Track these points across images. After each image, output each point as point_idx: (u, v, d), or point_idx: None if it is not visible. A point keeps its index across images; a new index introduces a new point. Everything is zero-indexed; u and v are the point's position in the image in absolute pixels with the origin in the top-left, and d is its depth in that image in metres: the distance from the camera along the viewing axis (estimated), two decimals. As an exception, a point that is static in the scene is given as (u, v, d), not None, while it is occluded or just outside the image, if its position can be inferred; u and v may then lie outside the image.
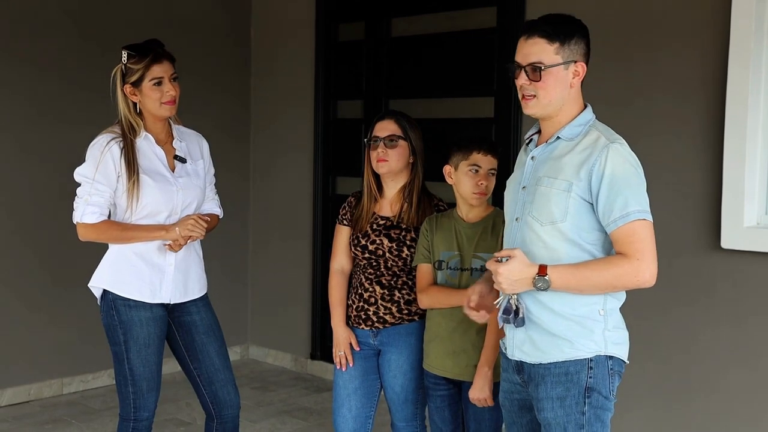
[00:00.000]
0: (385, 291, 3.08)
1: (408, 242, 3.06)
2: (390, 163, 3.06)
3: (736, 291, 3.70)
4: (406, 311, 3.07)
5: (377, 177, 3.13)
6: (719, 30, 3.68)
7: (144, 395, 3.09)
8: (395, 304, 3.07)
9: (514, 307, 2.36)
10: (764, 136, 3.64)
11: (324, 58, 5.40)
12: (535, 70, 2.35)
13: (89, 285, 3.14)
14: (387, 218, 3.11)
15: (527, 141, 2.53)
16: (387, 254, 3.06)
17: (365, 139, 3.13)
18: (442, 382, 3.01)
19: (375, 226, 3.10)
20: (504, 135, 4.43)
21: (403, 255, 3.05)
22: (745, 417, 3.70)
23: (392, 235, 3.07)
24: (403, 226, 3.08)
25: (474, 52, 4.69)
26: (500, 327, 2.55)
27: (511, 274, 2.29)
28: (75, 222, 3.06)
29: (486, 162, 2.91)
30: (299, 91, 5.54)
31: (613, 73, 3.96)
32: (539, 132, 2.51)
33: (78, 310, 4.94)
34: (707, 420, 3.82)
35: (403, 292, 3.07)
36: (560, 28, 2.36)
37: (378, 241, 3.07)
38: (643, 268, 2.27)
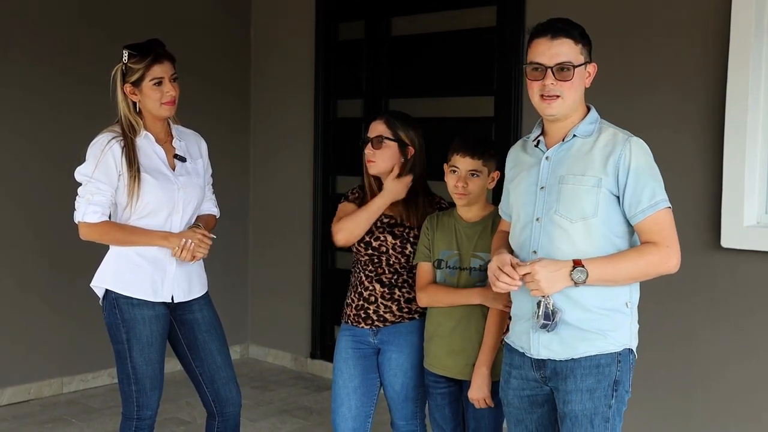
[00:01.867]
0: (386, 289, 3.08)
1: (411, 239, 3.06)
2: (378, 164, 3.06)
3: (736, 290, 3.71)
4: (406, 309, 3.08)
5: (377, 176, 3.13)
6: (719, 26, 3.68)
7: (147, 393, 3.09)
8: (395, 303, 3.07)
9: (552, 312, 2.37)
10: (764, 134, 3.64)
11: (324, 57, 5.41)
12: (566, 70, 2.37)
13: (91, 285, 3.14)
14: (390, 216, 3.11)
15: (535, 143, 2.53)
16: (390, 251, 3.06)
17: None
18: (442, 381, 3.01)
19: (378, 223, 3.09)
20: (504, 134, 4.43)
21: (407, 252, 3.06)
22: (745, 414, 3.71)
23: (396, 232, 3.07)
24: (407, 224, 3.08)
25: (474, 51, 4.70)
26: (514, 330, 2.53)
27: (548, 270, 2.32)
28: (77, 221, 3.05)
29: (464, 164, 2.91)
30: (299, 91, 5.54)
31: (612, 71, 3.96)
32: (542, 133, 2.52)
33: (78, 309, 4.94)
34: (707, 417, 3.83)
35: (404, 290, 3.07)
36: (578, 30, 2.42)
37: (382, 238, 3.07)
38: (672, 255, 2.37)
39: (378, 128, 3.07)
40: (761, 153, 3.64)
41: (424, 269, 3.01)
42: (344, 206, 3.17)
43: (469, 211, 2.98)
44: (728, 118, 3.64)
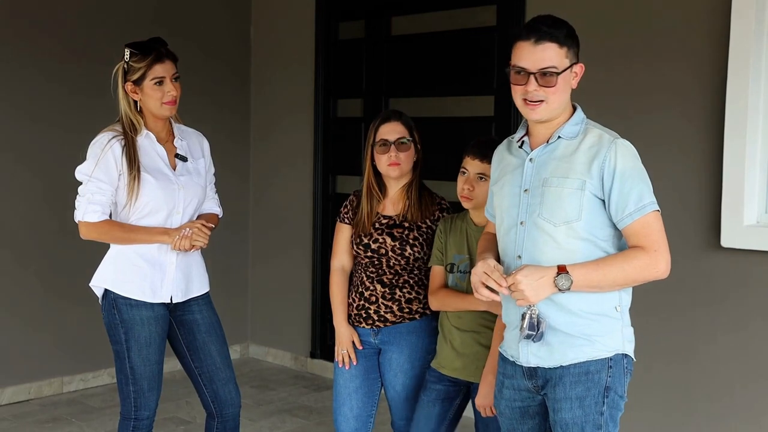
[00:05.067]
0: (386, 290, 3.08)
1: (411, 241, 3.05)
2: (402, 166, 3.04)
3: (737, 289, 3.71)
4: (407, 310, 3.07)
5: (378, 177, 3.12)
6: (719, 27, 3.68)
7: (145, 394, 3.09)
8: (396, 303, 3.07)
9: (536, 322, 2.32)
10: (764, 134, 3.64)
11: (324, 56, 5.41)
12: (549, 75, 2.31)
13: (90, 284, 3.14)
14: (390, 217, 3.10)
15: (519, 144, 2.47)
16: (390, 253, 3.06)
17: (370, 141, 3.08)
18: (445, 379, 2.98)
19: (377, 225, 3.09)
20: (504, 134, 4.41)
21: (406, 254, 3.05)
22: (746, 415, 3.71)
23: (395, 233, 3.06)
24: (406, 225, 3.07)
25: (474, 50, 4.70)
26: (516, 341, 2.50)
27: (531, 278, 2.26)
28: (77, 221, 3.05)
29: (472, 166, 2.90)
30: (299, 90, 5.54)
31: (613, 70, 3.96)
32: (527, 133, 2.47)
33: (78, 308, 4.94)
34: (708, 418, 3.83)
35: (404, 290, 3.07)
36: (563, 31, 2.34)
37: (381, 240, 3.07)
38: (660, 259, 2.30)
39: (397, 129, 3.05)
40: (761, 153, 3.64)
41: (436, 273, 2.99)
42: (339, 228, 3.19)
43: (479, 215, 2.94)
44: (728, 117, 3.64)
